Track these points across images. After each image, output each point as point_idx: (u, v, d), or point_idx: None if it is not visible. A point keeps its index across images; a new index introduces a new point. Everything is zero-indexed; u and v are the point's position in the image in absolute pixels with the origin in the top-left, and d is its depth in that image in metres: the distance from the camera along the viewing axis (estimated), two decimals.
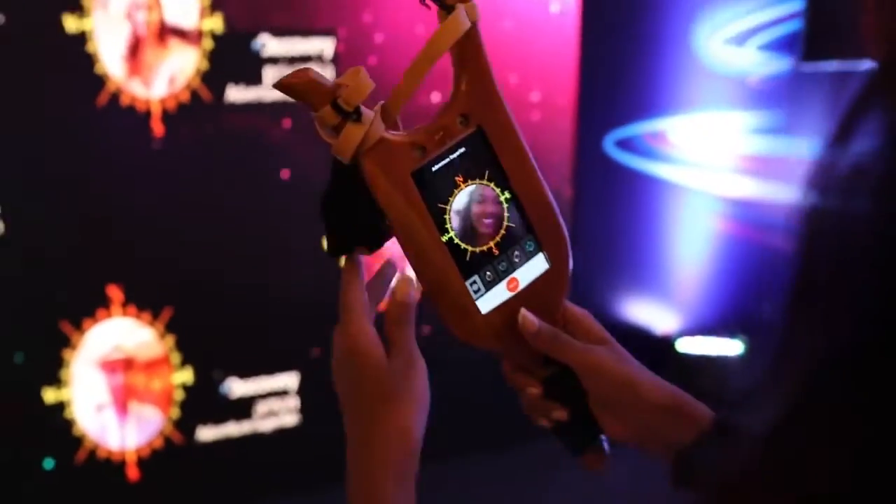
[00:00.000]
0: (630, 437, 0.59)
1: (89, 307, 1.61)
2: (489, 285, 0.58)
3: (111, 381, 1.66)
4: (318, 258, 1.80)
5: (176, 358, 1.70)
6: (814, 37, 2.23)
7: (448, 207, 0.57)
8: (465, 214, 0.58)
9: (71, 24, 1.49)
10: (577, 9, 1.93)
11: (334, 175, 0.56)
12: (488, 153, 0.59)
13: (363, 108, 0.54)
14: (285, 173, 1.72)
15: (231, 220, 1.69)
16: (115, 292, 1.62)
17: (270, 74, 1.66)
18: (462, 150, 0.58)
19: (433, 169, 0.57)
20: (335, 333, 0.56)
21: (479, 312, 0.57)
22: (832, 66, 2.18)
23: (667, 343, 2.21)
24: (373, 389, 0.54)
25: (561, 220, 0.60)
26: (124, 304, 1.64)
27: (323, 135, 0.54)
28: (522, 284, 0.59)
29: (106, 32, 1.52)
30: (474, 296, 0.58)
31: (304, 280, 1.78)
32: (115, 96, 1.55)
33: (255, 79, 1.65)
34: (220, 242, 1.70)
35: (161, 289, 1.66)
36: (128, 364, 1.67)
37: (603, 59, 2.06)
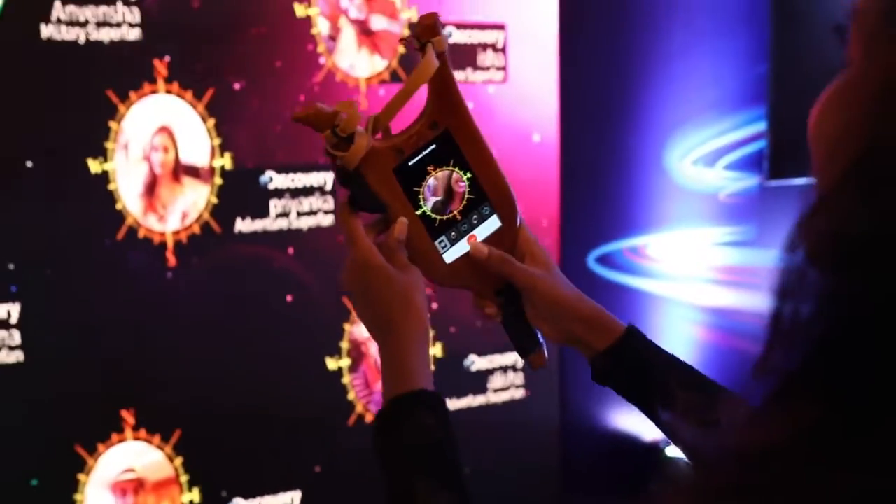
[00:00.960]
0: (560, 341, 0.79)
1: (103, 431, 1.68)
2: (454, 241, 0.81)
3: (123, 502, 1.72)
4: (319, 378, 1.88)
5: (184, 478, 1.76)
6: (777, 155, 2.39)
7: (421, 189, 0.79)
8: (435, 192, 0.80)
9: (95, 166, 1.61)
10: (557, 138, 2.07)
11: (343, 176, 0.77)
12: (453, 147, 0.80)
13: (360, 130, 0.75)
14: (289, 297, 1.81)
15: (237, 343, 1.78)
16: (127, 416, 1.70)
17: (276, 206, 1.78)
18: (432, 147, 0.79)
19: (409, 164, 0.79)
20: (347, 260, 0.76)
21: (444, 262, 0.80)
22: (796, 181, 2.33)
23: (655, 451, 2.29)
24: (392, 292, 0.74)
25: (510, 189, 0.81)
26: (136, 428, 1.71)
27: (327, 147, 0.76)
28: (479, 238, 0.81)
29: (125, 173, 1.64)
30: (441, 251, 0.80)
31: (306, 399, 1.86)
32: (133, 230, 1.66)
33: (261, 211, 1.76)
34: (227, 364, 1.78)
35: (171, 412, 1.74)
36: (139, 485, 1.73)
37: (582, 182, 2.19)
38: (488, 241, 0.81)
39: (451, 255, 0.80)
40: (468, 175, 0.80)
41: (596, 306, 0.80)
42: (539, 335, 0.82)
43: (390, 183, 0.78)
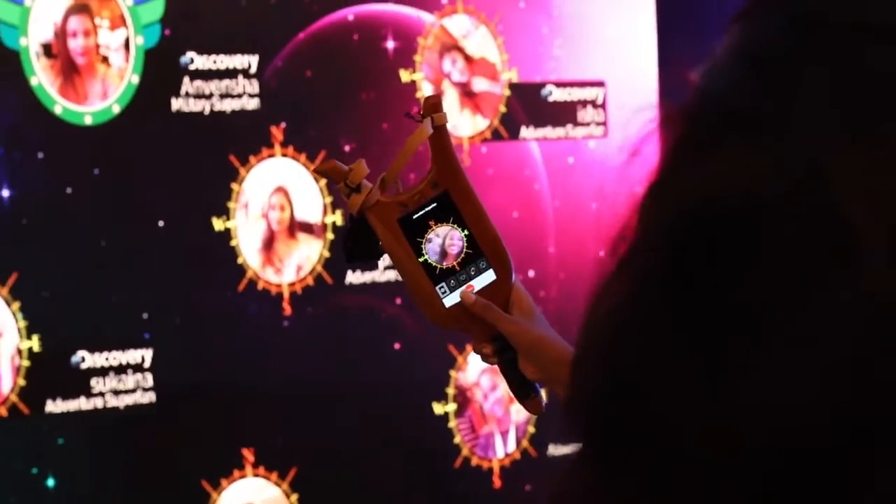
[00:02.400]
0: (543, 381, 0.91)
1: (226, 467, 1.82)
2: (452, 289, 0.92)
3: None
4: (427, 422, 1.98)
5: None
6: None
7: (423, 240, 0.91)
8: (436, 245, 0.92)
9: (218, 224, 1.77)
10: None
11: (351, 220, 0.92)
12: (452, 206, 0.92)
13: (366, 182, 0.89)
14: (397, 345, 1.92)
15: (349, 387, 1.90)
16: (248, 454, 1.83)
17: (385, 259, 1.90)
18: (434, 204, 0.92)
19: (413, 217, 0.92)
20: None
21: (444, 306, 0.92)
22: None
23: None
24: None
25: (505, 248, 0.93)
26: (255, 465, 1.84)
27: (343, 197, 0.90)
28: (476, 289, 0.92)
29: (246, 230, 1.79)
30: (441, 296, 0.91)
31: (414, 442, 1.96)
32: (253, 282, 1.80)
33: (371, 264, 1.89)
34: (339, 407, 1.90)
35: (287, 451, 1.86)
36: None
37: None
38: (484, 291, 0.92)
39: (449, 301, 0.92)
40: (465, 232, 0.93)
41: None
42: (537, 384, 0.93)
43: (394, 232, 0.91)
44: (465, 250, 0.92)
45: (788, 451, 0.29)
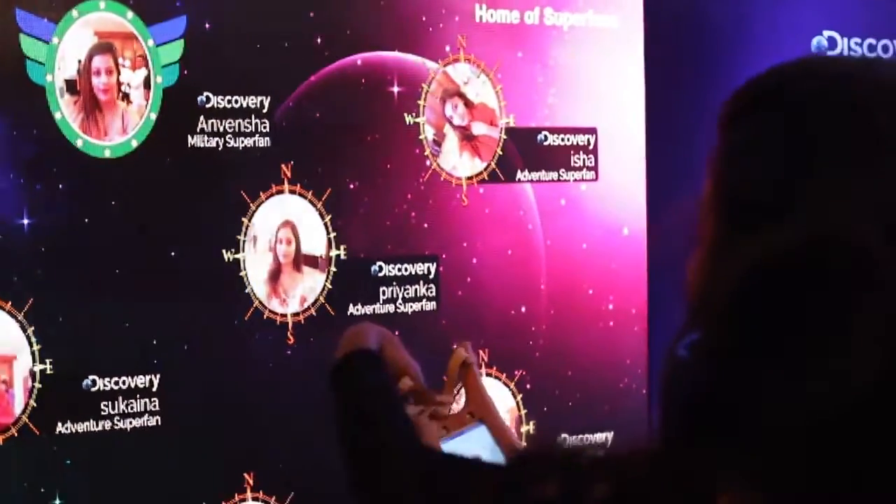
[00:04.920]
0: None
1: (227, 490, 1.88)
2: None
3: None
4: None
5: None
6: None
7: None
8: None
9: (227, 255, 1.85)
10: (645, 232, 2.23)
11: None
12: (487, 434, 1.09)
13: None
14: None
15: None
16: (248, 478, 1.90)
17: (384, 292, 1.99)
18: (471, 431, 1.09)
19: (451, 440, 1.08)
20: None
21: None
22: None
23: None
24: None
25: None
26: (255, 489, 1.91)
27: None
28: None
29: (253, 262, 1.87)
30: None
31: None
32: (259, 312, 1.88)
33: (372, 297, 1.97)
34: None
35: (287, 475, 1.93)
36: None
37: (669, 272, 2.33)
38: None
39: None
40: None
41: None
42: None
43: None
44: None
45: (851, 412, 0.43)
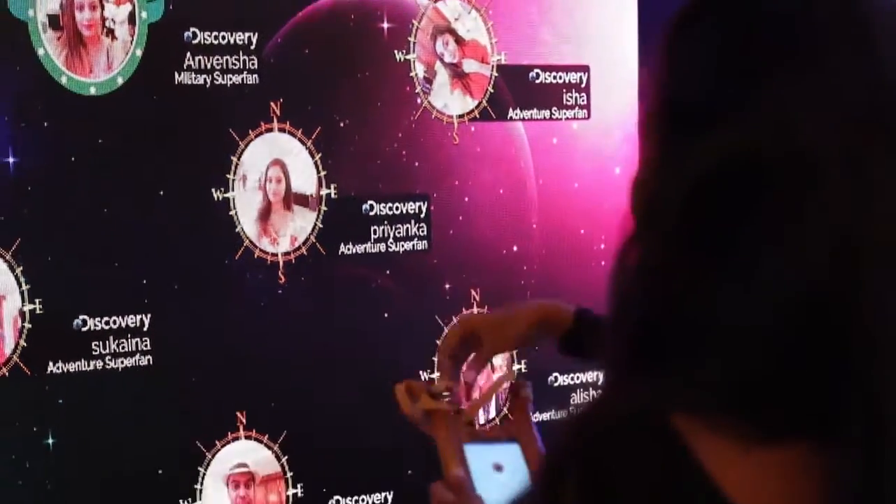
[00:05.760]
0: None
1: (220, 429, 1.89)
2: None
3: (235, 494, 1.92)
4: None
5: (290, 474, 1.96)
6: None
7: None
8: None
9: (217, 194, 1.83)
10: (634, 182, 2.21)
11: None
12: (519, 454, 1.07)
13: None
14: (386, 313, 2.00)
15: (339, 354, 1.98)
16: (241, 417, 1.90)
17: (375, 232, 1.98)
18: (504, 444, 1.08)
19: (480, 445, 1.08)
20: None
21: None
22: None
23: None
24: None
25: None
26: (248, 427, 1.91)
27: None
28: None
29: (243, 201, 1.86)
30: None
31: (399, 406, 2.03)
32: (249, 251, 1.87)
33: (363, 236, 1.96)
34: (330, 372, 1.97)
35: (279, 414, 1.94)
36: (250, 479, 1.93)
37: None
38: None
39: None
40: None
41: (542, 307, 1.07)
42: None
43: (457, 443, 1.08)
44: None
45: (789, 314, 0.42)
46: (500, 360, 2.15)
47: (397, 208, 2.00)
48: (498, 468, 1.06)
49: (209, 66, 1.81)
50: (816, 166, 0.43)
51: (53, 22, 1.70)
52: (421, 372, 2.06)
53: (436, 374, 1.13)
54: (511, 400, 1.14)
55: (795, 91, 0.45)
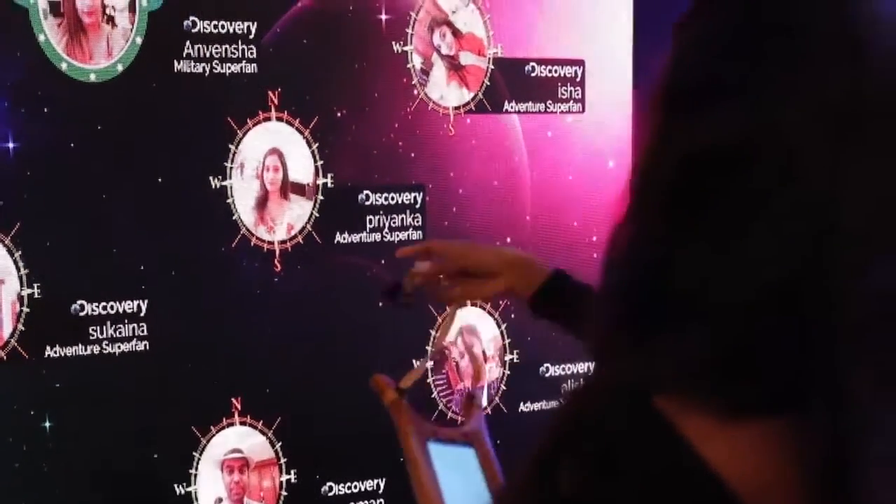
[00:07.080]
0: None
1: (215, 415, 1.91)
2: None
3: (230, 479, 1.94)
4: (405, 374, 2.08)
5: (284, 460, 1.98)
6: None
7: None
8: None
9: (214, 182, 1.85)
10: (630, 164, 2.24)
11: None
12: (474, 458, 1.14)
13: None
14: (380, 302, 2.02)
15: (333, 342, 2.00)
16: (236, 402, 1.92)
17: (371, 221, 2.00)
18: (460, 447, 1.14)
19: (442, 445, 1.14)
20: None
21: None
22: None
23: None
24: None
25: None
26: (242, 413, 1.94)
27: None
28: None
29: (240, 189, 1.88)
30: None
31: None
32: (246, 239, 1.89)
33: (358, 226, 1.98)
34: (324, 360, 1.99)
35: (274, 401, 1.96)
36: (244, 464, 1.96)
37: None
38: None
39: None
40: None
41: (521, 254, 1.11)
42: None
43: (419, 441, 1.15)
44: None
45: (767, 293, 0.44)
46: (491, 351, 2.17)
47: (393, 198, 2.02)
48: (456, 468, 1.11)
49: (208, 54, 1.83)
50: (799, 153, 0.45)
51: (54, 8, 1.71)
52: (414, 360, 2.08)
53: (415, 364, 1.21)
54: (465, 407, 1.23)
55: (785, 82, 0.47)
